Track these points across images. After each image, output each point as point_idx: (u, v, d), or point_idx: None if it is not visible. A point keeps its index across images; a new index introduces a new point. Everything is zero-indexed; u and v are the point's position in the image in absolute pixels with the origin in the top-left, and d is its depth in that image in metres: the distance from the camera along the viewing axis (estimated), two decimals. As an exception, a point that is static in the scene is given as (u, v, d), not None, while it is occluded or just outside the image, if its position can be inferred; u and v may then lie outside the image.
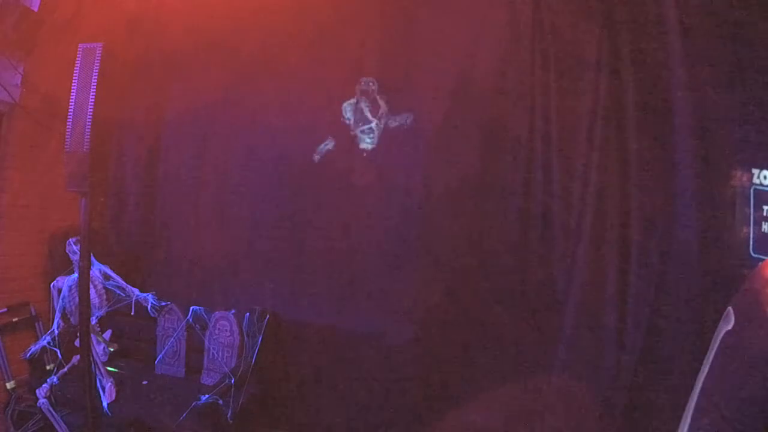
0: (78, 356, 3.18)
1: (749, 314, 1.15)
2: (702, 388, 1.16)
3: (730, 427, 1.07)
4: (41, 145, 3.63)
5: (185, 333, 3.40)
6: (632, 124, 2.74)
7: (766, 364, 1.08)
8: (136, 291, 3.40)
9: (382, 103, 3.24)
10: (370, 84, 3.27)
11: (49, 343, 3.28)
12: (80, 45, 2.53)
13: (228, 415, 2.80)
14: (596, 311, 2.73)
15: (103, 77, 2.49)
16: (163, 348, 3.43)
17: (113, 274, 3.41)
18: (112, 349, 3.47)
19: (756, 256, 2.48)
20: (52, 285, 3.39)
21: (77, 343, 3.05)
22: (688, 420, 1.15)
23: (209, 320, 3.36)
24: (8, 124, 3.49)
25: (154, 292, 3.41)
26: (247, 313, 3.25)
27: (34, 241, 3.71)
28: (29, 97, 3.51)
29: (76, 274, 3.07)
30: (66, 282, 3.29)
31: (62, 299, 3.26)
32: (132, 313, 3.41)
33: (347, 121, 3.35)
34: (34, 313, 3.65)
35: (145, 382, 3.30)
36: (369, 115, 3.22)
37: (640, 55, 2.74)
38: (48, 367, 3.36)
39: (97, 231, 3.73)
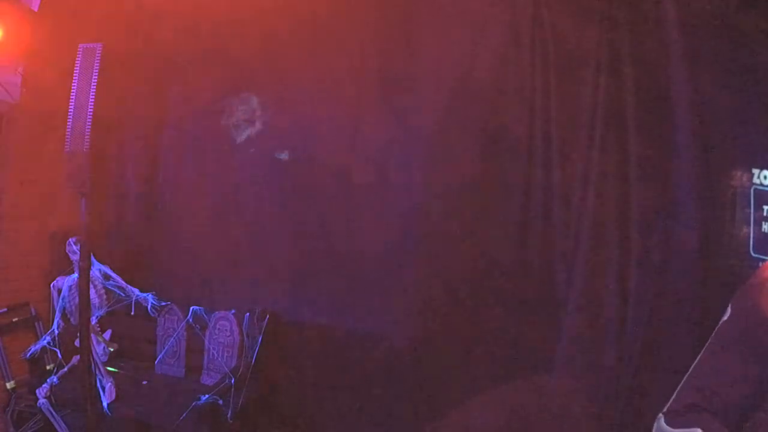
0: (78, 356, 3.18)
1: (744, 307, 1.20)
2: (690, 372, 1.23)
3: (710, 407, 1.13)
4: (41, 145, 3.63)
5: (185, 333, 3.40)
6: (632, 124, 2.74)
7: (753, 350, 1.14)
8: (136, 291, 3.40)
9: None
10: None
11: (49, 343, 3.28)
12: (80, 45, 2.53)
13: (228, 415, 2.80)
14: (596, 310, 2.74)
15: (103, 77, 2.49)
16: (163, 348, 3.43)
17: (113, 274, 3.41)
18: (112, 349, 3.46)
19: (756, 256, 2.48)
20: (52, 285, 3.39)
21: (77, 343, 3.05)
22: (670, 401, 1.20)
23: (209, 320, 3.36)
24: (8, 124, 3.50)
25: (154, 292, 3.41)
26: (247, 313, 3.25)
27: (34, 241, 3.71)
28: (29, 97, 3.52)
29: (76, 274, 3.07)
30: (66, 282, 3.29)
31: (62, 299, 3.26)
32: (132, 313, 3.41)
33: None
34: (34, 313, 3.65)
35: (145, 382, 3.30)
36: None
37: (640, 55, 2.74)
38: (48, 367, 3.36)
39: (97, 231, 3.73)
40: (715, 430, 1.08)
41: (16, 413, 3.30)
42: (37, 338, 3.50)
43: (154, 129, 3.93)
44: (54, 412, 3.05)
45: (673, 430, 1.14)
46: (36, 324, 3.65)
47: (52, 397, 3.08)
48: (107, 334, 3.55)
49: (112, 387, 3.08)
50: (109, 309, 3.42)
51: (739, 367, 1.14)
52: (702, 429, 1.09)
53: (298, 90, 3.48)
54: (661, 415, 1.19)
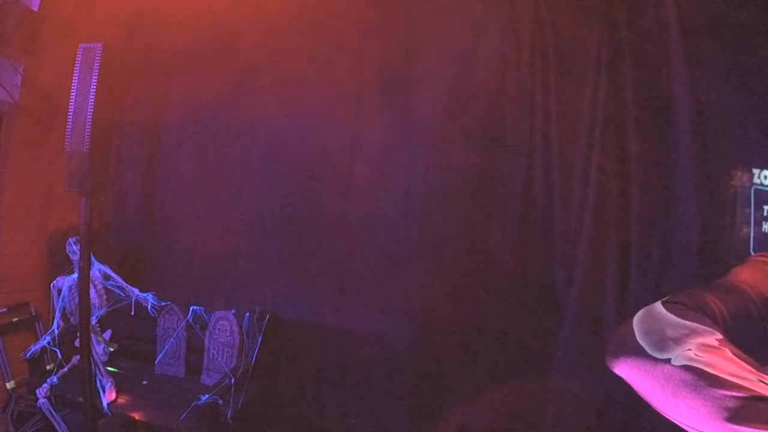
0: (78, 356, 3.18)
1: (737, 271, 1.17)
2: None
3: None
4: (41, 145, 3.64)
5: (185, 333, 3.40)
6: (632, 124, 2.74)
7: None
8: (136, 291, 3.40)
9: None
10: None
11: (49, 343, 3.28)
12: (80, 45, 2.53)
13: (228, 415, 2.80)
14: (596, 311, 2.73)
15: (103, 77, 2.49)
16: (163, 348, 3.43)
17: (113, 274, 3.40)
18: (112, 349, 3.47)
19: (756, 255, 2.47)
20: (52, 285, 3.39)
21: (77, 343, 3.05)
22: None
23: (209, 320, 3.36)
24: (8, 124, 3.50)
25: (154, 292, 3.41)
26: (247, 313, 3.25)
27: (34, 241, 3.72)
28: (29, 97, 3.52)
29: (76, 274, 3.07)
30: (66, 282, 3.29)
31: (62, 299, 3.26)
32: (132, 313, 3.41)
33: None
34: (34, 313, 3.66)
35: (145, 382, 3.30)
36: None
37: (640, 55, 2.74)
38: (48, 367, 3.36)
39: (97, 231, 3.73)
40: (730, 349, 0.89)
41: (16, 413, 3.30)
42: (37, 338, 3.51)
43: (154, 129, 3.93)
44: (54, 412, 3.05)
45: (679, 319, 0.96)
46: (36, 324, 3.65)
47: (52, 397, 3.08)
48: (107, 334, 3.56)
49: (112, 387, 3.08)
50: (109, 309, 3.42)
51: (714, 301, 1.08)
52: (722, 335, 0.90)
53: (298, 90, 3.48)
54: (658, 302, 1.05)
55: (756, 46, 2.50)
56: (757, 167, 2.51)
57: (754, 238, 2.50)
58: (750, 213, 2.52)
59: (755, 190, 2.52)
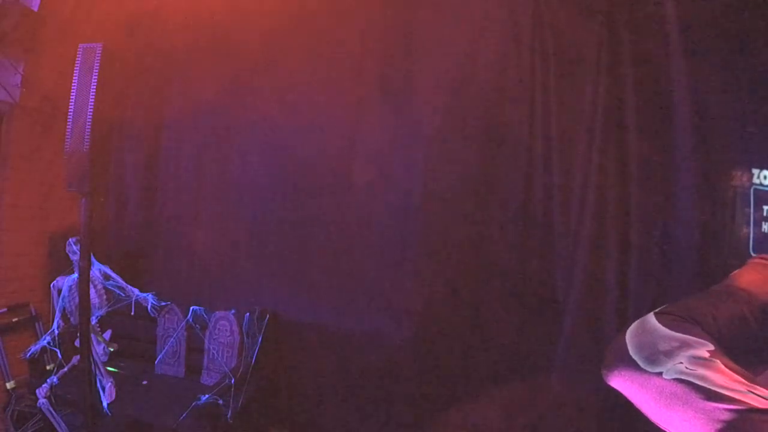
0: (78, 356, 3.18)
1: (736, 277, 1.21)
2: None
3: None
4: (41, 145, 3.64)
5: (185, 333, 3.40)
6: (632, 124, 2.74)
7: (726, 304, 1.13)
8: (136, 291, 3.40)
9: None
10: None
11: (49, 343, 3.28)
12: (80, 45, 2.53)
13: (228, 415, 2.80)
14: (596, 311, 2.73)
15: (103, 77, 2.49)
16: (163, 348, 3.43)
17: (113, 274, 3.40)
18: (112, 349, 3.47)
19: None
20: (52, 285, 3.39)
21: (77, 343, 3.05)
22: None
23: (209, 320, 3.36)
24: (8, 124, 3.50)
25: (154, 292, 3.41)
26: (247, 313, 3.25)
27: (34, 241, 3.72)
28: (29, 97, 3.52)
29: (76, 274, 3.07)
30: (66, 282, 3.28)
31: (62, 299, 3.26)
32: (132, 313, 3.41)
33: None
34: (34, 313, 3.66)
35: (145, 382, 3.30)
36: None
37: (640, 54, 2.74)
38: (48, 367, 3.36)
39: (97, 231, 3.73)
40: (720, 355, 0.91)
41: (16, 413, 3.30)
42: (37, 338, 3.51)
43: (154, 129, 3.93)
44: (54, 412, 3.05)
45: (671, 332, 0.97)
46: (36, 324, 3.65)
47: (52, 397, 3.08)
48: (107, 334, 3.56)
49: (112, 387, 3.08)
50: (109, 309, 3.42)
51: (709, 309, 1.09)
52: (714, 346, 0.91)
53: (298, 90, 3.48)
54: (651, 314, 1.06)
55: (756, 46, 2.50)
56: (757, 167, 2.52)
57: (753, 238, 2.50)
58: (750, 213, 2.52)
59: (755, 190, 2.52)
